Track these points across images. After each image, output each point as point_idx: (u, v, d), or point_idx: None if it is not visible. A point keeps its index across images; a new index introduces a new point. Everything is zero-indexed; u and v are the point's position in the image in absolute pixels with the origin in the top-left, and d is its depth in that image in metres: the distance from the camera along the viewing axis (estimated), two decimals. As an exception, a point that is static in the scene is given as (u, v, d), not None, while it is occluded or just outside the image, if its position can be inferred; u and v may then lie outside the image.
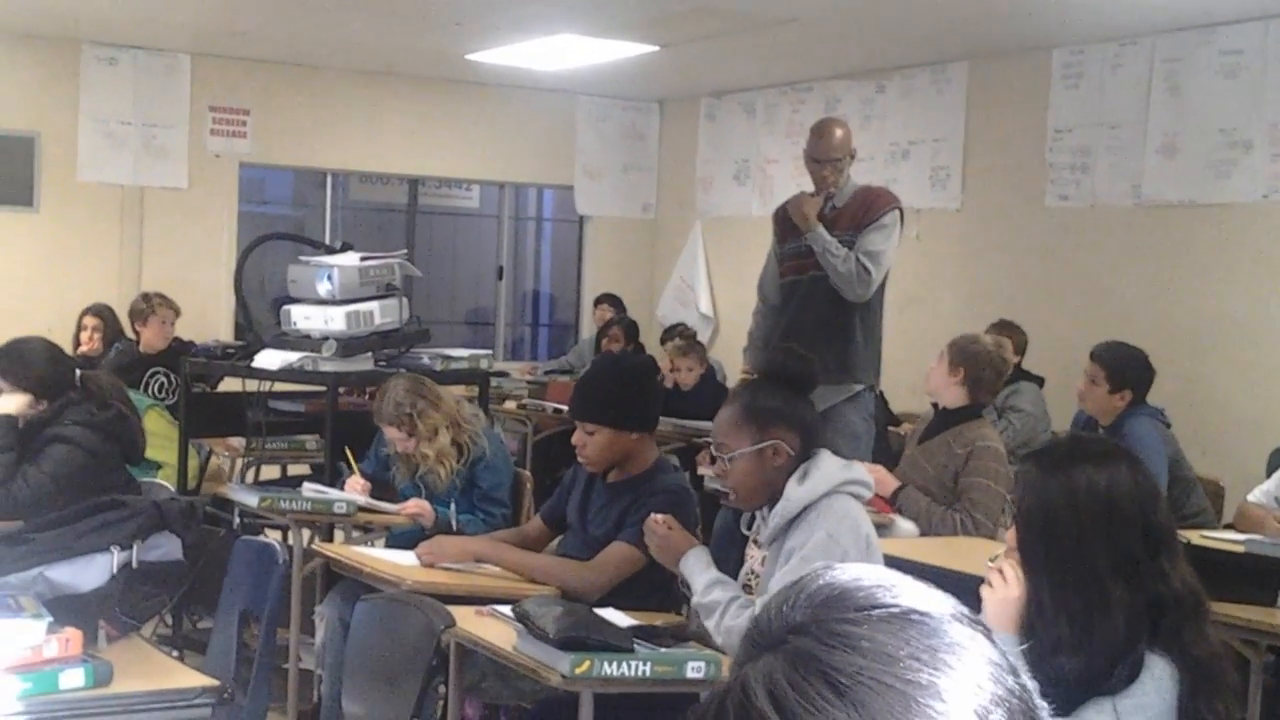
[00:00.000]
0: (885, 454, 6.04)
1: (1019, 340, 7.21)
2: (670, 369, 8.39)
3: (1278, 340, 7.08)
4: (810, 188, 6.13)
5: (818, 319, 5.93)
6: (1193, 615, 2.57)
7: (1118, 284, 7.84)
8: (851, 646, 0.87)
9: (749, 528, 3.65)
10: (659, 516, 3.70)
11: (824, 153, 6.06)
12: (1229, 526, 5.31)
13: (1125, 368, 5.73)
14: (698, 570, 3.50)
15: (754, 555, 3.62)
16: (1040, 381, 7.17)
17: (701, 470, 6.25)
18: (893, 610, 0.90)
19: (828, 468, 3.46)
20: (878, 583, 0.92)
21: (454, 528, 4.88)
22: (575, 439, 4.27)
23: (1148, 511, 2.61)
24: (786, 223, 6.15)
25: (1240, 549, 4.45)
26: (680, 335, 9.33)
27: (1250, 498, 5.33)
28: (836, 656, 0.87)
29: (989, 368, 5.20)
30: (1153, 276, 7.68)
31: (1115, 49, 7.86)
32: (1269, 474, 5.62)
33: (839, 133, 6.12)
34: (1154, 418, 5.73)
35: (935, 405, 5.39)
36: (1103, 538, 2.56)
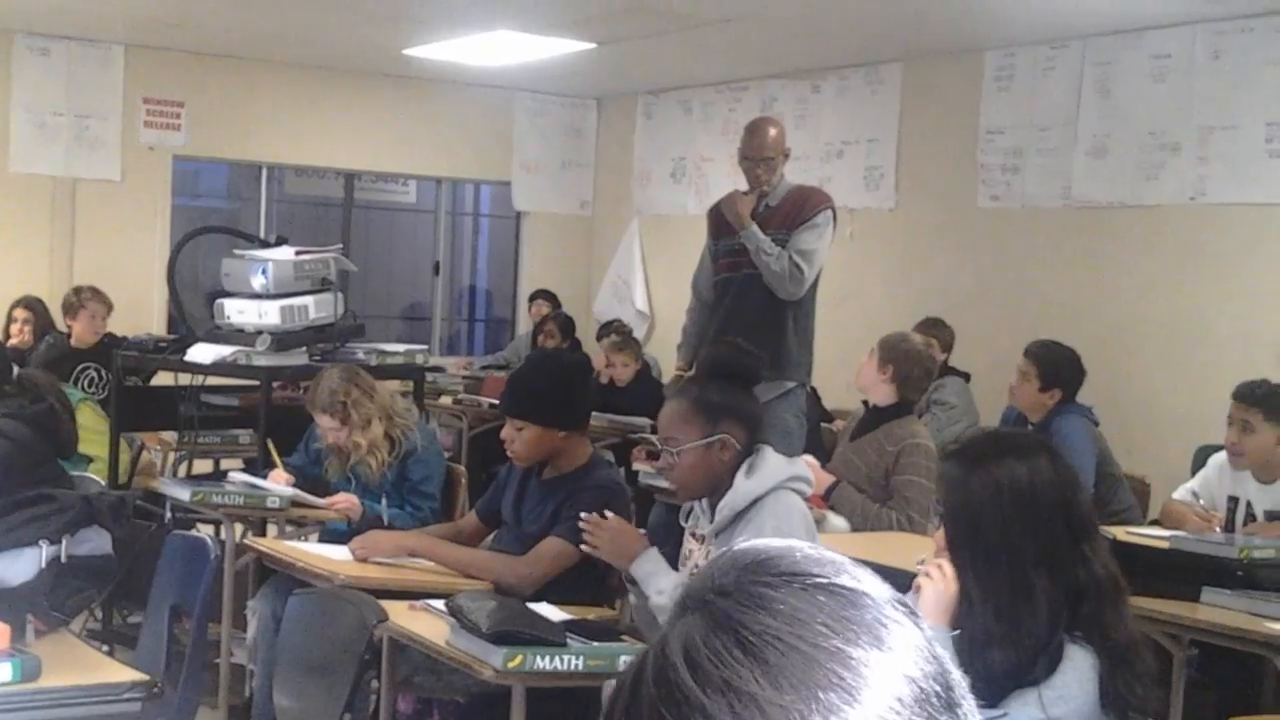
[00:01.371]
0: (818, 450, 6.08)
1: (946, 337, 7.30)
2: (605, 365, 8.41)
3: (1203, 340, 7.19)
4: (745, 186, 6.17)
5: (751, 316, 5.97)
6: (1113, 600, 2.63)
7: (1047, 283, 7.94)
8: (765, 608, 0.88)
9: (687, 519, 3.68)
10: (609, 514, 3.70)
11: (757, 151, 6.10)
12: (1154, 523, 5.39)
13: (1057, 367, 5.82)
14: (659, 571, 3.52)
15: (694, 548, 3.64)
16: (966, 377, 7.25)
17: (636, 465, 6.28)
18: (818, 580, 0.91)
19: (774, 463, 3.51)
20: (811, 557, 0.93)
21: (384, 522, 4.88)
22: (504, 434, 4.29)
23: (1069, 500, 2.67)
24: (721, 220, 6.18)
25: (1165, 545, 4.52)
26: (615, 332, 9.36)
27: (1175, 495, 5.42)
28: (749, 616, 0.88)
29: (917, 366, 5.25)
30: (1082, 276, 7.78)
31: (1047, 52, 7.95)
32: (1194, 472, 5.71)
33: (772, 131, 6.16)
34: (1082, 416, 5.81)
35: (866, 403, 5.44)
36: (1028, 529, 2.61)
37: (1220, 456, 5.28)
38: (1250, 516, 5.06)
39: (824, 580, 0.91)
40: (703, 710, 0.85)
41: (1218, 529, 4.96)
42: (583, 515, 3.73)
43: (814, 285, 6.08)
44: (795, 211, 6.04)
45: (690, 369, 6.18)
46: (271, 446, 5.33)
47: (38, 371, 4.85)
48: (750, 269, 6.00)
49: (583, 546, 3.73)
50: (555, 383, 4.31)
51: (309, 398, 5.18)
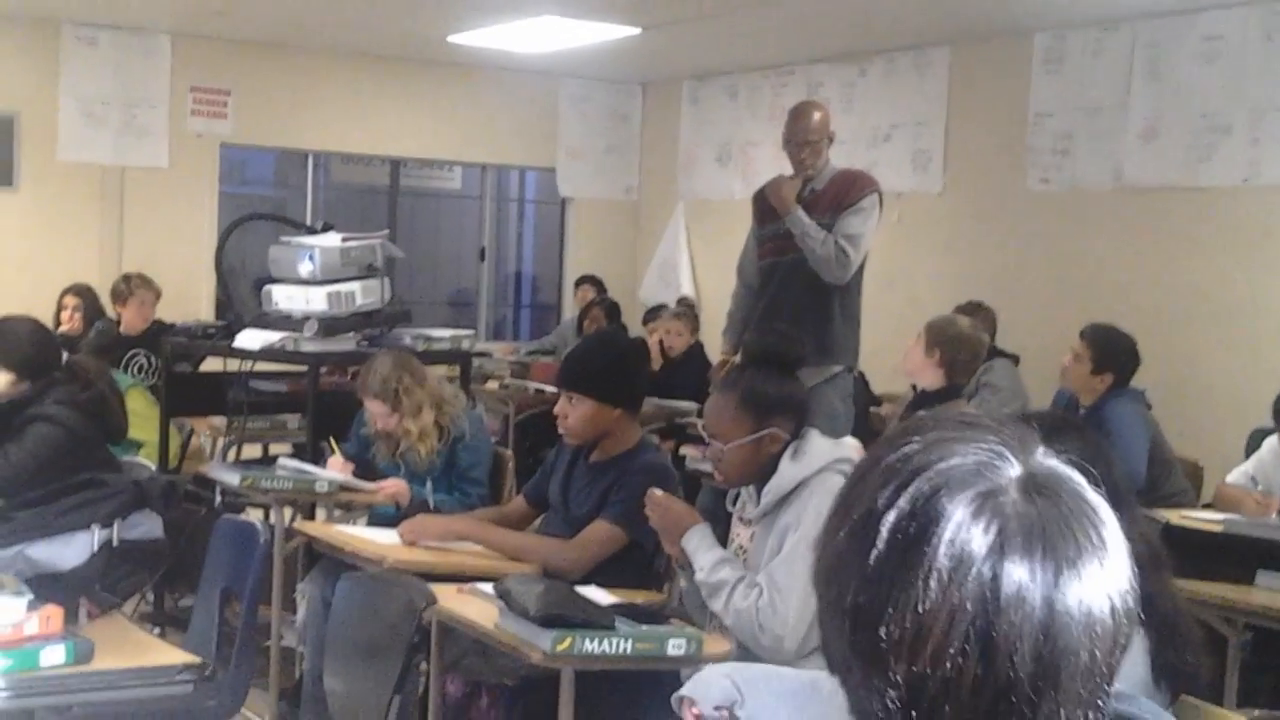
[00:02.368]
0: (866, 434, 6.05)
1: (988, 320, 7.23)
2: (664, 334, 8.57)
3: (1256, 322, 7.12)
4: (789, 170, 6.13)
5: (797, 301, 5.94)
6: (1154, 572, 2.60)
7: (1098, 266, 7.87)
8: None
9: (734, 504, 3.67)
10: (658, 491, 3.70)
11: (802, 135, 6.06)
12: (1207, 506, 5.35)
13: (1112, 351, 5.76)
14: (703, 548, 3.50)
15: (740, 532, 3.63)
16: (1015, 359, 7.19)
17: (684, 450, 6.27)
18: None
19: (820, 446, 3.50)
20: None
21: (430, 506, 4.88)
22: (558, 408, 4.28)
23: (1104, 474, 2.63)
24: (765, 205, 6.16)
25: (1218, 528, 4.48)
26: (680, 303, 9.55)
27: (1229, 478, 5.37)
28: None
29: (965, 349, 5.21)
30: (1132, 259, 7.71)
31: (1096, 33, 7.87)
32: (1248, 455, 5.66)
33: (817, 115, 6.12)
34: (1135, 399, 5.76)
35: (914, 387, 5.41)
36: None
37: (1273, 440, 5.23)
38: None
39: None
40: None
41: (1275, 515, 4.91)
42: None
43: (861, 269, 6.04)
44: (841, 195, 6.00)
45: (736, 353, 6.17)
46: (332, 441, 5.34)
47: (87, 358, 4.87)
48: (796, 253, 5.96)
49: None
50: (613, 360, 4.32)
51: (360, 382, 5.19)
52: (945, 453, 1.07)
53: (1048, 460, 1.09)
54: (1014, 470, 1.06)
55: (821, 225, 5.92)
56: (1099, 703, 1.04)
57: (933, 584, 1.01)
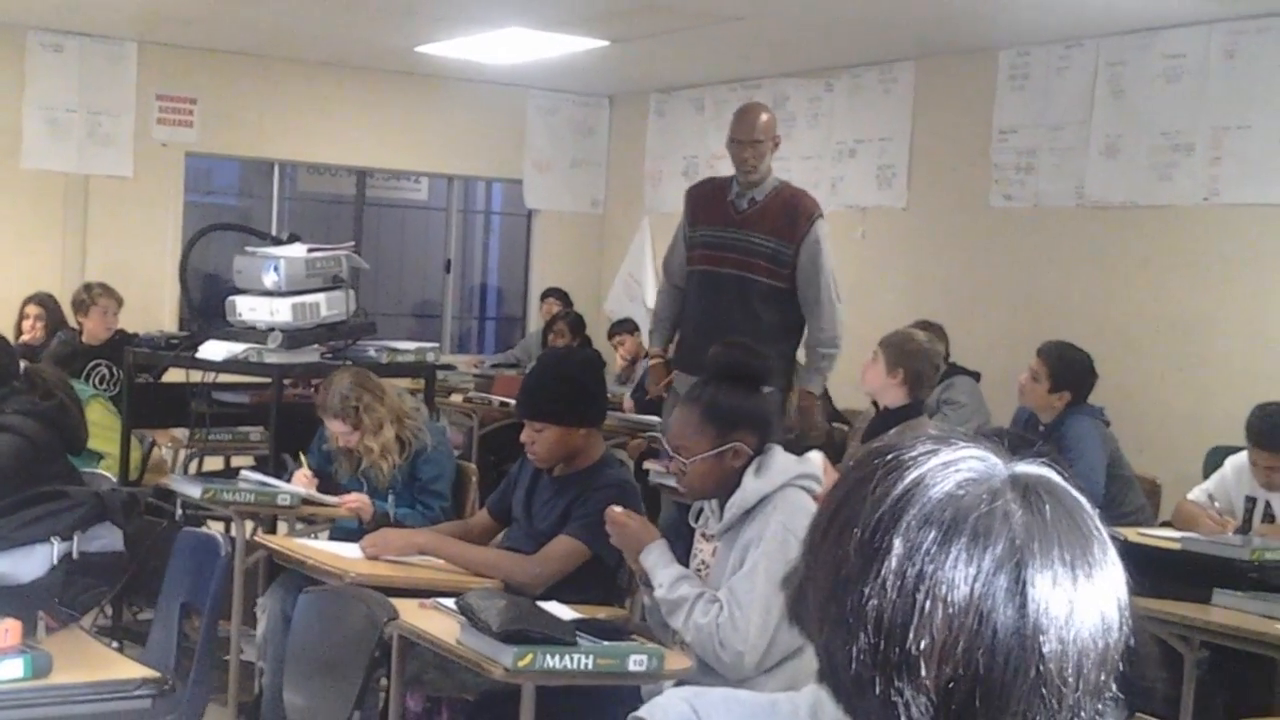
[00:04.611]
0: (830, 449, 6.07)
1: (940, 340, 7.22)
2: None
3: (1215, 341, 7.17)
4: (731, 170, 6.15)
5: (729, 316, 5.95)
6: None
7: (1060, 283, 7.92)
8: None
9: (697, 520, 3.68)
10: (618, 508, 3.70)
11: (747, 133, 6.05)
12: (1166, 524, 5.38)
13: (1069, 369, 5.79)
14: (661, 564, 3.51)
15: (703, 548, 3.64)
16: (976, 376, 7.22)
17: (647, 464, 6.28)
18: None
19: (782, 461, 3.50)
20: None
21: (392, 520, 4.88)
22: (524, 436, 4.28)
23: None
24: (700, 207, 6.14)
25: (1176, 546, 4.51)
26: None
27: (1190, 496, 5.41)
28: None
29: (926, 363, 5.23)
30: (1094, 276, 7.76)
31: (1060, 51, 7.93)
32: (1205, 473, 5.70)
33: (764, 116, 6.12)
34: (1093, 416, 5.80)
35: (875, 404, 5.42)
36: None
37: (1238, 458, 5.27)
38: (1269, 516, 5.05)
39: None
40: None
41: (1231, 533, 4.94)
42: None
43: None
44: (785, 219, 5.97)
45: (667, 353, 6.18)
46: (302, 456, 5.33)
47: (46, 366, 4.85)
48: (733, 268, 5.96)
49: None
50: (571, 381, 4.31)
51: (319, 402, 5.17)
52: (941, 461, 1.10)
53: (1033, 467, 1.12)
54: (1006, 476, 1.10)
55: (766, 247, 5.91)
56: (1107, 693, 1.09)
57: (960, 588, 1.04)
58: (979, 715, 1.04)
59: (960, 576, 1.04)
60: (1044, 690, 1.04)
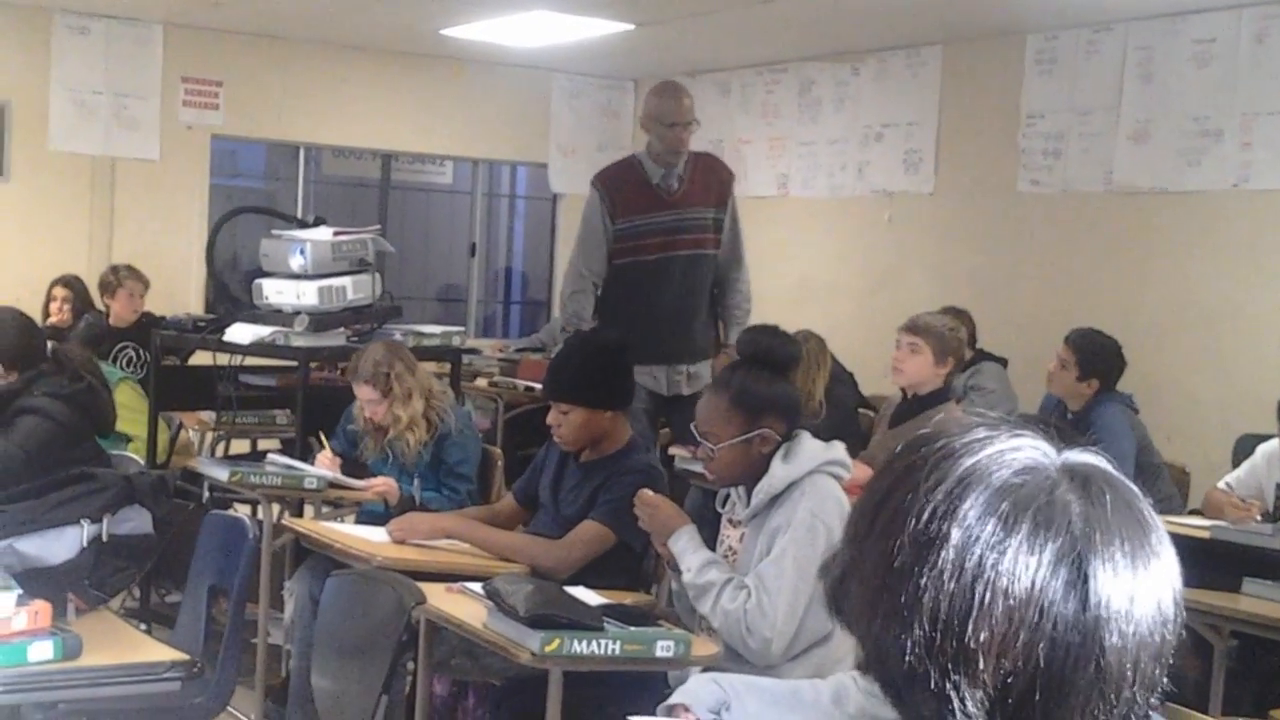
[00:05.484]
0: (855, 436, 6.06)
1: (967, 326, 7.19)
2: None
3: (1244, 328, 7.13)
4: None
5: (686, 300, 5.97)
6: None
7: (1087, 269, 7.88)
8: None
9: (724, 506, 3.67)
10: (648, 491, 3.70)
11: (684, 116, 6.05)
12: (1194, 512, 5.36)
13: (1097, 356, 5.76)
14: (690, 549, 3.50)
15: (730, 533, 3.63)
16: (1004, 362, 7.19)
17: (673, 450, 6.27)
18: None
19: (810, 448, 3.50)
20: None
21: (417, 504, 4.88)
22: (550, 419, 4.28)
23: None
24: (626, 196, 6.07)
25: (1206, 535, 4.49)
26: None
27: (1220, 484, 5.38)
28: None
29: (963, 347, 5.24)
30: (1122, 263, 7.72)
31: (1089, 35, 7.88)
32: (1235, 461, 5.67)
33: (688, 99, 6.14)
34: (1123, 404, 5.77)
35: (904, 391, 5.40)
36: None
37: (1269, 445, 5.24)
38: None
39: None
40: None
41: (1258, 517, 4.92)
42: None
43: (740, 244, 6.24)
44: (715, 185, 6.10)
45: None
46: (322, 437, 5.34)
47: (74, 347, 4.86)
48: (688, 249, 5.99)
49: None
50: (597, 363, 4.31)
51: (351, 368, 5.18)
52: (996, 450, 1.09)
53: (1085, 455, 1.11)
54: (1060, 465, 1.09)
55: (703, 218, 6.01)
56: (1159, 688, 1.08)
57: (1021, 580, 1.03)
58: (1037, 710, 1.03)
59: (1021, 568, 1.03)
60: (1103, 684, 1.03)
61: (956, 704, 1.04)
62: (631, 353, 4.32)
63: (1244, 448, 5.66)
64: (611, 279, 6.06)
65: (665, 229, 5.98)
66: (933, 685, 1.04)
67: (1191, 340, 7.35)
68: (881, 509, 1.11)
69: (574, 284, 6.15)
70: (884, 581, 1.08)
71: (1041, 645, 1.02)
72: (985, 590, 1.03)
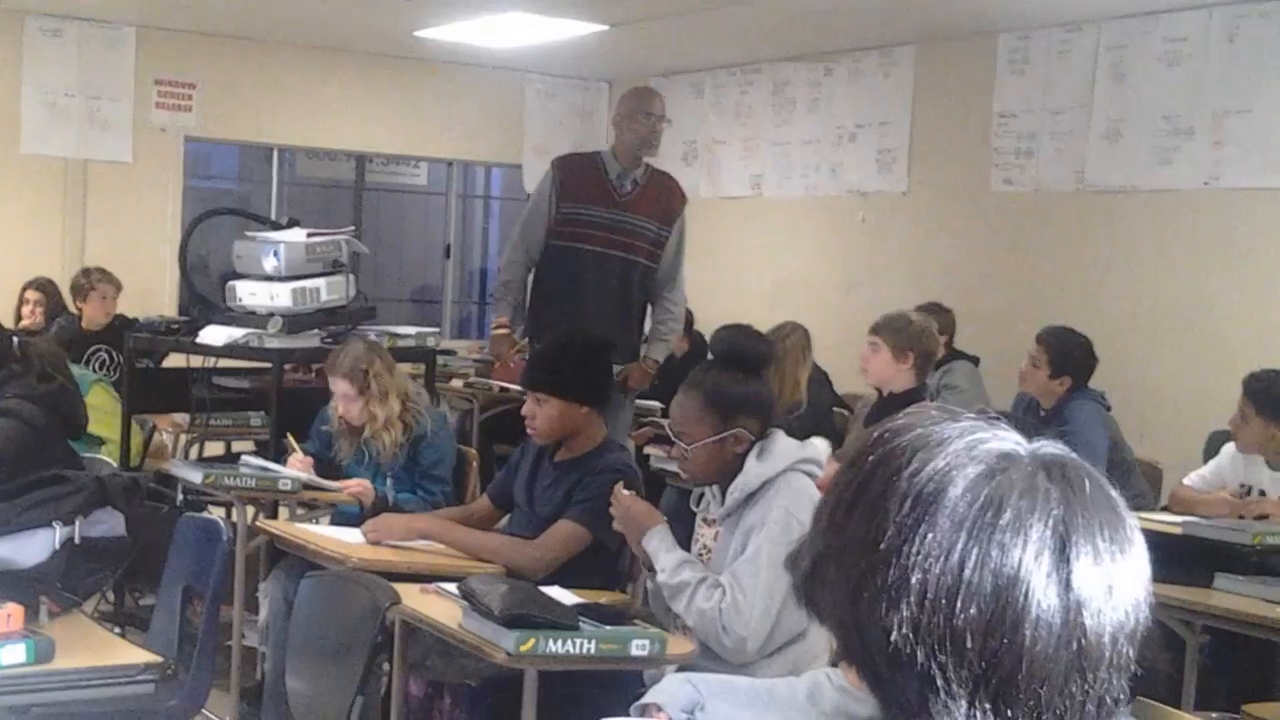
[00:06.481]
0: (830, 435, 6.08)
1: (947, 321, 7.22)
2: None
3: (1216, 325, 7.17)
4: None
5: (613, 301, 6.06)
6: None
7: (1060, 268, 7.91)
8: None
9: (698, 504, 3.68)
10: (623, 490, 3.71)
11: (661, 109, 6.16)
12: (1166, 509, 5.39)
13: (1068, 354, 5.78)
14: (663, 549, 3.51)
15: (705, 532, 3.64)
16: (975, 361, 7.22)
17: (649, 449, 6.28)
18: None
19: (785, 446, 3.51)
20: None
21: (392, 505, 4.87)
22: (525, 409, 4.29)
23: None
24: (578, 182, 6.09)
25: (1178, 530, 4.51)
26: None
27: (1186, 481, 5.41)
28: None
29: (932, 341, 5.26)
30: (1094, 261, 7.76)
31: (1061, 35, 7.92)
32: (1206, 457, 5.70)
33: (660, 100, 6.24)
34: (1095, 401, 5.79)
35: (879, 390, 5.42)
36: None
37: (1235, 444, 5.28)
38: (1263, 504, 5.05)
39: None
40: None
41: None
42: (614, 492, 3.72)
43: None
44: (665, 202, 6.15)
45: (511, 325, 6.16)
46: (291, 439, 5.32)
47: (40, 341, 4.83)
48: (621, 251, 6.04)
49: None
50: (577, 358, 4.34)
51: (329, 363, 5.16)
52: (976, 438, 1.12)
53: (1054, 448, 1.13)
54: (1033, 455, 1.11)
55: (645, 228, 6.04)
56: (1129, 670, 1.10)
57: (1008, 562, 1.05)
58: (1020, 687, 1.05)
59: (1008, 550, 1.06)
60: (1083, 664, 1.06)
61: (941, 683, 1.05)
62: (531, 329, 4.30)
63: (1216, 444, 5.70)
64: (551, 260, 6.12)
65: (606, 225, 6.03)
66: (919, 666, 1.06)
67: (1163, 337, 7.39)
68: (862, 495, 1.12)
69: (510, 254, 6.29)
70: (869, 564, 1.09)
71: (1026, 625, 1.05)
72: (974, 571, 1.05)
